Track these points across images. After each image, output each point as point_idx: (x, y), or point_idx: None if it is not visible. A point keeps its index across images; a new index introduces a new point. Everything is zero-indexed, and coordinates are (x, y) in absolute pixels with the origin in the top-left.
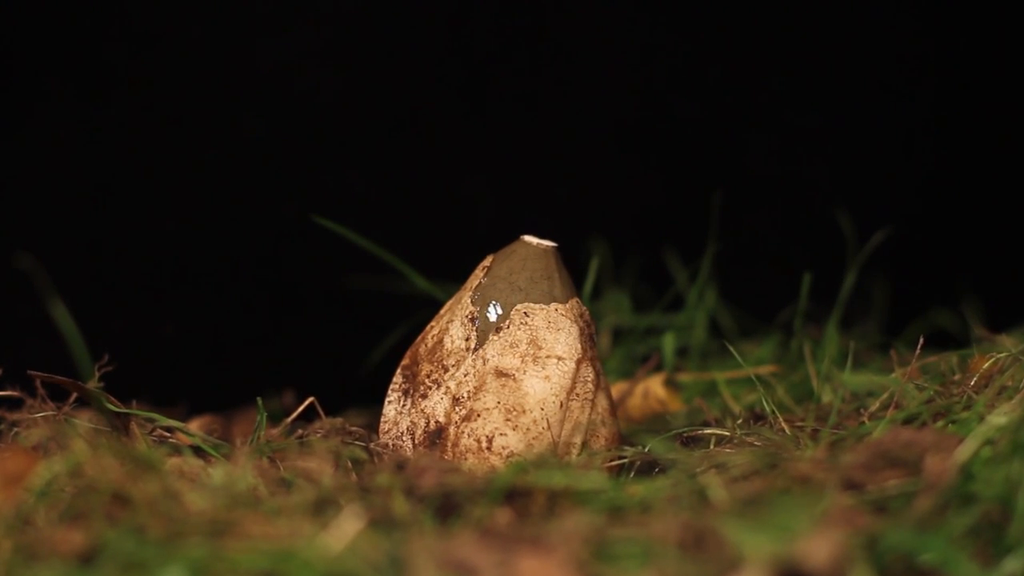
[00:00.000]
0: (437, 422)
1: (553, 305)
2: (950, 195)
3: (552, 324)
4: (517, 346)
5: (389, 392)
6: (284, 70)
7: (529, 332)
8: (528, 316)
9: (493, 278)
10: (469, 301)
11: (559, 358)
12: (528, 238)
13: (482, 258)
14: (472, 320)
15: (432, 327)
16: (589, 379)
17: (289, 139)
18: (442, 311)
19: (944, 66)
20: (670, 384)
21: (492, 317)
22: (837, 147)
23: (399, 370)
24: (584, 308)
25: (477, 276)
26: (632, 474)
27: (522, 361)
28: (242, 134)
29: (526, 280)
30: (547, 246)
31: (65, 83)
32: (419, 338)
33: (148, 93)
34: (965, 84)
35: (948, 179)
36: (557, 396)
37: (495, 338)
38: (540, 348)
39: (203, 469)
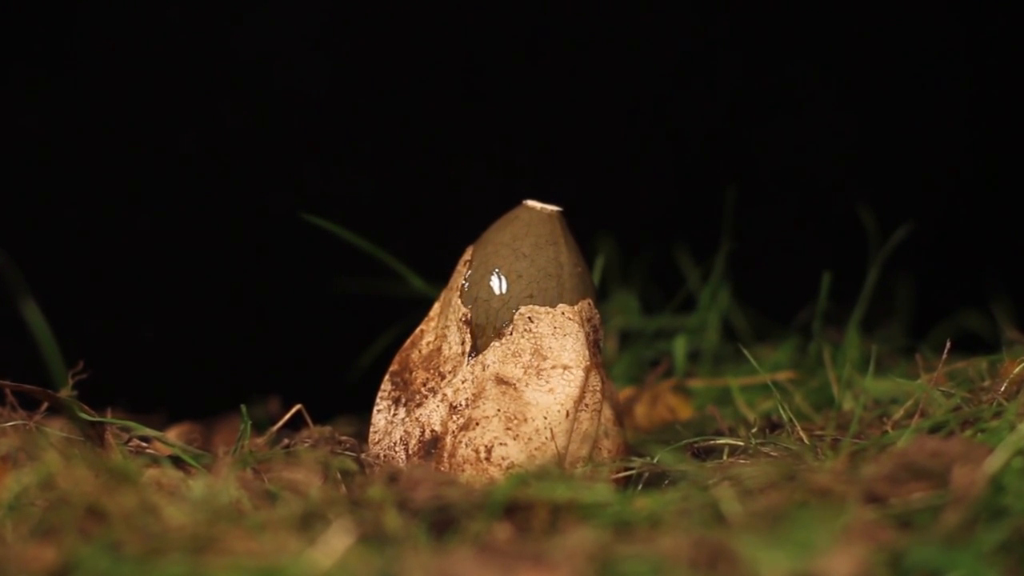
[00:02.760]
0: (433, 431)
1: (560, 308)
2: (978, 188)
3: (558, 330)
4: (520, 355)
5: (378, 400)
6: (268, 56)
7: (533, 340)
8: (532, 322)
9: (496, 245)
10: (461, 303)
11: (565, 367)
12: (531, 202)
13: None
14: (466, 322)
15: (423, 331)
16: (598, 388)
17: (274, 131)
18: (431, 314)
19: (974, 52)
20: (681, 391)
21: (496, 287)
22: (858, 138)
23: (387, 377)
24: (595, 312)
25: (461, 273)
26: (640, 487)
27: (524, 372)
28: (224, 125)
29: (530, 246)
30: (552, 210)
31: (35, 71)
32: (408, 342)
33: (124, 82)
34: (996, 72)
35: (976, 171)
36: (562, 405)
37: (496, 344)
38: (545, 358)
39: (183, 481)
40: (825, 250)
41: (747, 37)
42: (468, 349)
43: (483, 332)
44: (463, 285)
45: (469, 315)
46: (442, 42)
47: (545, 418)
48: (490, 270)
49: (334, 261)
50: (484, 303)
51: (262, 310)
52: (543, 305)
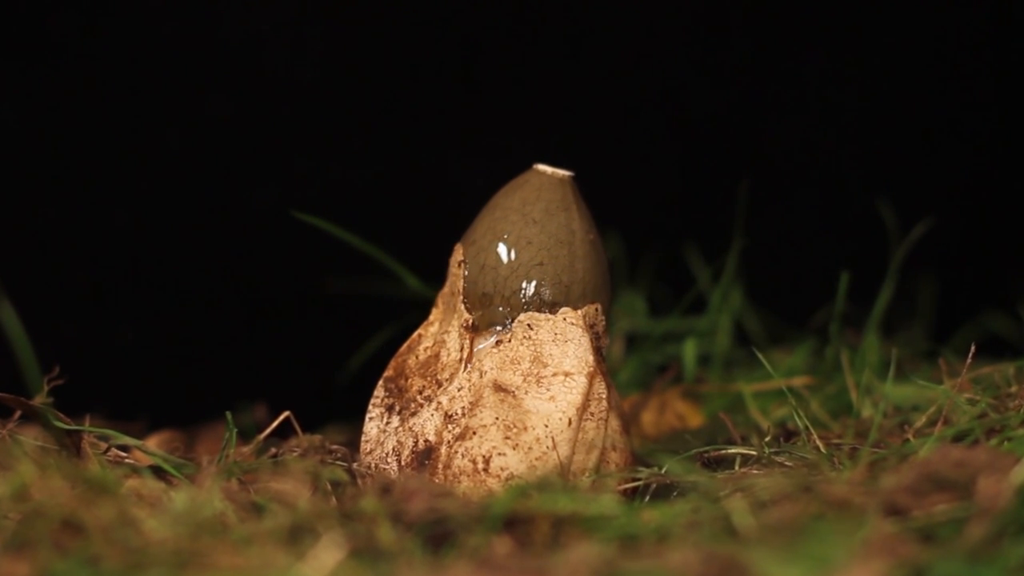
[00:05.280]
0: (426, 441)
1: (562, 313)
2: (1003, 182)
3: (559, 336)
4: (519, 363)
5: (370, 408)
6: (255, 42)
7: (533, 347)
8: (532, 329)
9: (505, 210)
10: (464, 308)
11: (567, 374)
12: (541, 167)
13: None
14: (468, 328)
15: (420, 336)
16: (603, 395)
17: (260, 122)
18: (431, 318)
19: (1000, 37)
20: (690, 397)
21: (504, 254)
22: (877, 130)
23: (381, 383)
24: (600, 317)
25: (458, 275)
26: (647, 498)
27: (524, 380)
28: (207, 116)
29: (541, 212)
30: (563, 175)
31: (6, 57)
32: (404, 347)
33: (101, 68)
34: (1021, 62)
35: (1001, 165)
36: (564, 413)
37: (494, 351)
38: (545, 366)
39: (164, 492)
40: (842, 248)
41: (760, 25)
42: (467, 356)
43: (491, 301)
44: (464, 286)
45: (471, 321)
46: (439, 31)
47: (546, 426)
48: (499, 236)
49: (324, 258)
50: (492, 271)
51: (248, 311)
52: (554, 272)
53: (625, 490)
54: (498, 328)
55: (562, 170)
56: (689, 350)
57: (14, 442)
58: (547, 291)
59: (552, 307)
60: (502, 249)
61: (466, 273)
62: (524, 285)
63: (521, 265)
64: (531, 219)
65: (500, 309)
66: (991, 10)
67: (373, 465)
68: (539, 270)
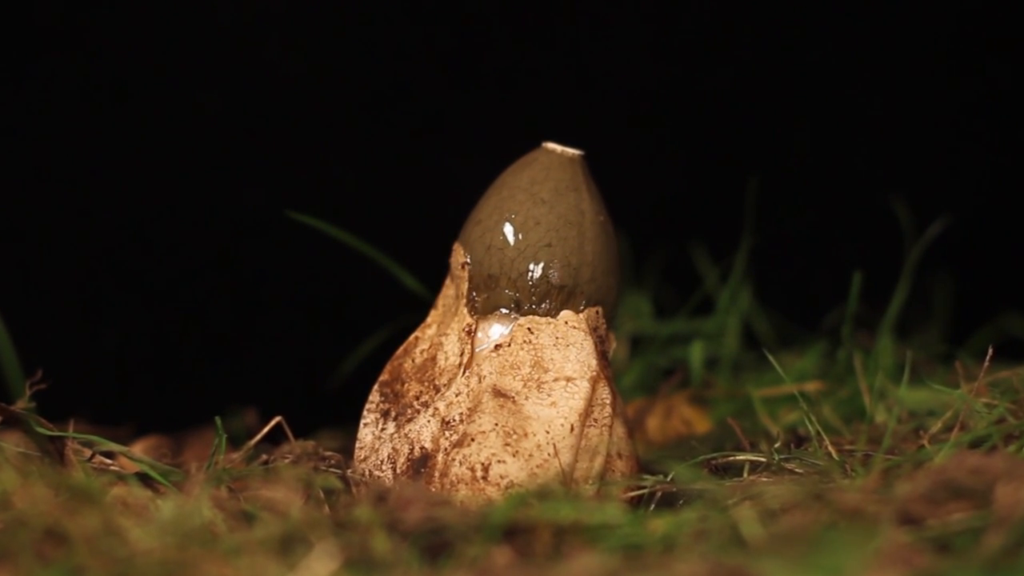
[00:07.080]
0: (422, 448)
1: (563, 316)
2: (1022, 180)
3: (560, 340)
4: (519, 368)
5: (365, 413)
6: (246, 34)
7: (533, 352)
8: (532, 333)
9: (512, 189)
10: (466, 312)
11: (568, 379)
12: (551, 145)
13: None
14: (469, 332)
15: (418, 338)
16: (607, 401)
17: (253, 120)
18: (428, 320)
19: (1017, 33)
20: (697, 402)
21: (511, 235)
22: (891, 126)
23: (376, 387)
24: (602, 320)
25: (462, 277)
26: (652, 507)
27: (524, 385)
28: (198, 114)
29: (550, 191)
30: (573, 154)
31: None
32: (401, 350)
33: (85, 61)
34: None
35: (1020, 162)
36: (566, 419)
37: (493, 355)
38: (546, 371)
39: (151, 500)
40: (855, 248)
41: (770, 17)
42: (467, 362)
43: (496, 283)
44: (467, 291)
45: (473, 325)
46: (437, 18)
47: (547, 433)
48: (505, 216)
49: (316, 257)
50: (498, 252)
51: (239, 311)
52: (563, 254)
53: (630, 498)
54: (503, 311)
55: (572, 149)
56: (696, 353)
57: None
58: (555, 273)
59: (560, 290)
60: (509, 230)
61: (469, 274)
62: (531, 267)
63: (529, 246)
64: (539, 199)
65: (506, 292)
66: (1009, 6)
67: (368, 472)
68: (547, 251)
